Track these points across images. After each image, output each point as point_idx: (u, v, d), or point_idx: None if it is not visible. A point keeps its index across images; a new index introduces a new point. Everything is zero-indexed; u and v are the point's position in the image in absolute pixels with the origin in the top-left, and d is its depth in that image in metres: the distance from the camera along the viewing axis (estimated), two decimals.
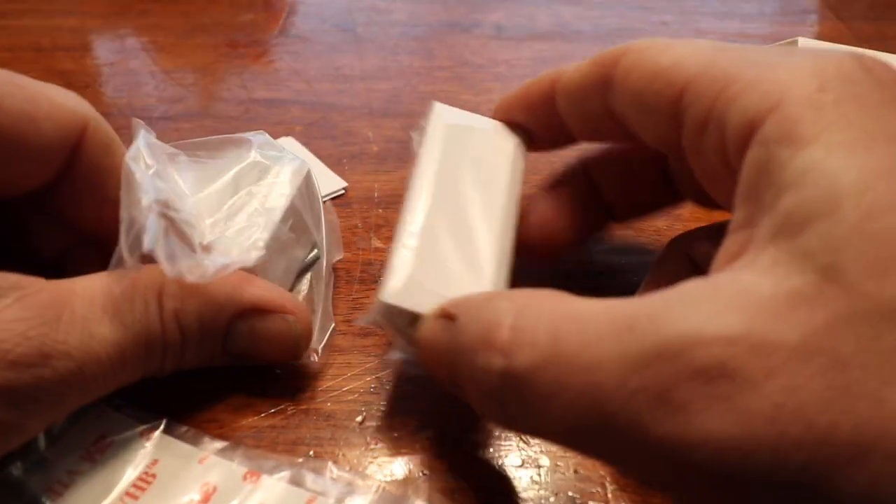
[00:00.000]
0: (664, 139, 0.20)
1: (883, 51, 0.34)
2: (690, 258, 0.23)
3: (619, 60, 0.20)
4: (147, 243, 0.19)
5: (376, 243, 0.30)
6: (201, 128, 0.38)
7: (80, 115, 0.21)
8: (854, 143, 0.14)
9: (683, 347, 0.13)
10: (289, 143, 0.36)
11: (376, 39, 0.46)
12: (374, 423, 0.23)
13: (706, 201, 0.24)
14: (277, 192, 0.25)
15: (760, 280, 0.14)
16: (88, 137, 0.21)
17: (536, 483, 0.21)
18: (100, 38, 0.47)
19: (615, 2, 0.51)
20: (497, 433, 0.23)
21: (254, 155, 0.26)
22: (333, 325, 0.26)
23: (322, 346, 0.25)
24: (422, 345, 0.20)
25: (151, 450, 0.21)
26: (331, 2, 0.51)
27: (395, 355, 0.23)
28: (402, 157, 0.35)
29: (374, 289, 0.28)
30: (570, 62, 0.23)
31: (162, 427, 0.22)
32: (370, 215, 0.32)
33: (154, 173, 0.21)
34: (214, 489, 0.20)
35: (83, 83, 0.42)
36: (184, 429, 0.22)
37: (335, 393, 0.24)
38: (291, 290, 0.27)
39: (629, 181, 0.26)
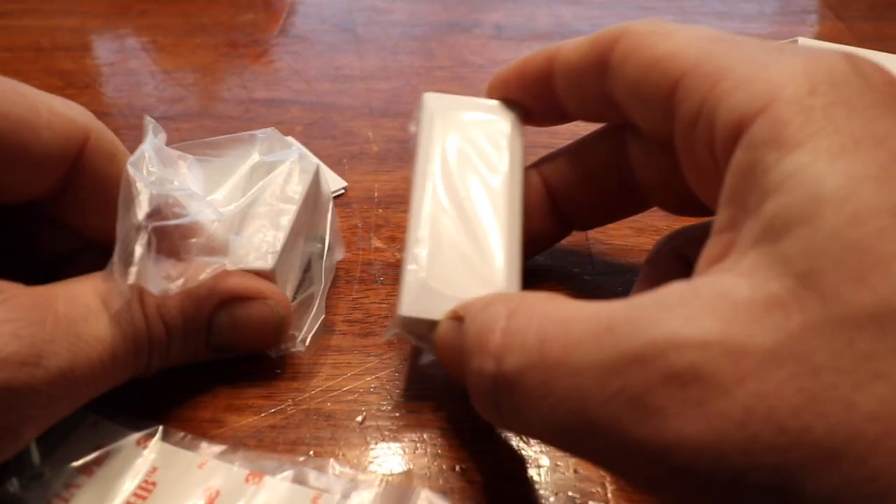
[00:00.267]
0: (660, 130, 0.20)
1: (883, 51, 0.34)
2: (683, 256, 0.23)
3: (617, 43, 0.20)
4: (132, 276, 0.20)
5: (376, 243, 0.30)
6: (201, 128, 0.38)
7: (82, 125, 0.21)
8: (840, 149, 0.14)
9: (658, 352, 0.14)
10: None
11: (376, 39, 0.46)
12: (374, 423, 0.23)
13: (673, 206, 0.24)
14: (289, 191, 0.25)
15: (739, 284, 0.14)
16: (91, 147, 0.21)
17: (536, 483, 0.21)
18: (100, 38, 0.47)
19: (615, 2, 0.51)
20: (497, 433, 0.23)
21: (263, 152, 0.26)
22: (324, 317, 0.26)
23: (311, 335, 0.25)
24: (437, 347, 0.21)
25: (149, 458, 0.21)
26: (331, 2, 0.51)
27: (426, 359, 0.23)
28: (402, 156, 0.35)
29: (373, 289, 0.28)
30: None
31: (158, 434, 0.22)
32: (370, 215, 0.32)
33: (155, 180, 0.21)
34: (217, 493, 0.20)
35: (83, 83, 0.42)
36: (181, 435, 0.22)
37: (335, 393, 0.24)
38: (299, 284, 0.27)
39: (585, 190, 0.26)
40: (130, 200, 0.20)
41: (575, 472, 0.22)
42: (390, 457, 0.22)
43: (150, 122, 0.23)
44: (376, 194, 0.33)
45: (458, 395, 0.23)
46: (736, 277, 0.14)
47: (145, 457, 0.21)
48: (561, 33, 0.47)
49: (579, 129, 0.26)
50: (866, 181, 0.13)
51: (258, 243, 0.24)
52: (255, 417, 0.23)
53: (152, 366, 0.22)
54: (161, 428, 0.22)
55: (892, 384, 0.12)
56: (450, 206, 0.23)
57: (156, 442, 0.21)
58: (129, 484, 0.20)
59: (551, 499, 0.21)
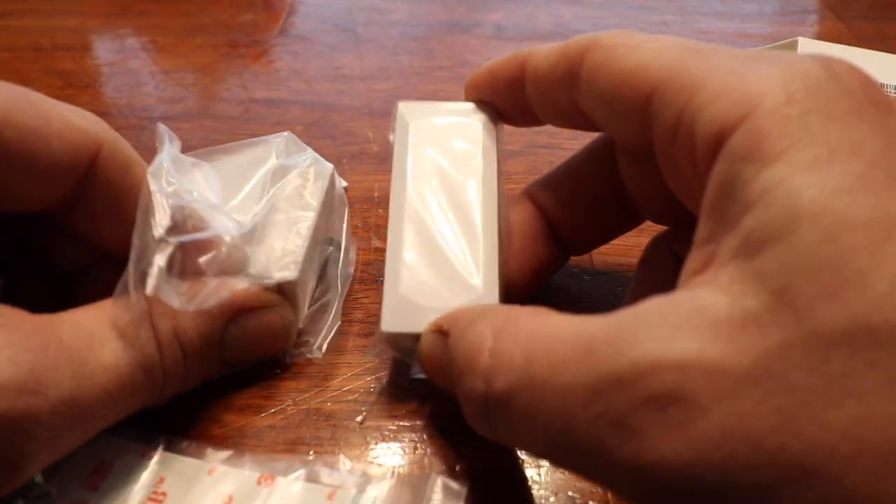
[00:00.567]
0: (636, 142, 0.20)
1: (883, 51, 0.34)
2: (678, 257, 0.23)
3: (585, 56, 0.20)
4: (150, 288, 0.19)
5: (376, 243, 0.30)
6: (201, 128, 0.38)
7: (94, 136, 0.20)
8: (816, 161, 0.14)
9: (638, 374, 0.14)
10: None
11: (376, 39, 0.46)
12: (374, 423, 0.23)
13: (665, 218, 0.24)
14: (307, 198, 0.25)
15: (717, 299, 0.14)
16: (104, 157, 0.21)
17: (536, 483, 0.21)
18: (100, 38, 0.47)
19: (615, 2, 0.51)
20: None
21: (278, 158, 0.26)
22: (339, 323, 0.26)
23: (326, 342, 0.25)
24: (422, 360, 0.21)
25: (156, 469, 0.21)
26: (331, 2, 0.51)
27: (415, 372, 0.24)
28: None
29: (374, 289, 0.28)
30: None
31: (162, 444, 0.21)
32: (370, 215, 0.32)
33: (174, 191, 0.21)
34: (230, 498, 0.20)
35: (83, 83, 0.42)
36: (185, 443, 0.22)
37: (335, 393, 0.24)
38: (316, 288, 0.27)
39: (580, 211, 0.25)
40: (149, 212, 0.20)
41: None
42: (390, 456, 0.22)
43: (164, 130, 0.23)
44: (376, 194, 0.33)
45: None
46: (713, 292, 0.14)
47: (151, 468, 0.21)
48: (561, 33, 0.47)
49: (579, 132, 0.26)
50: (841, 194, 0.13)
51: (279, 253, 0.23)
52: (255, 417, 0.23)
53: (165, 392, 0.21)
54: (164, 437, 0.22)
55: (864, 403, 0.12)
56: (426, 217, 0.23)
57: (160, 452, 0.21)
58: (138, 497, 0.20)
59: (551, 499, 0.21)
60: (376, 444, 0.23)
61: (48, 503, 0.20)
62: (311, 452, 0.22)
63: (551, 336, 0.16)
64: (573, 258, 0.28)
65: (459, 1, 0.51)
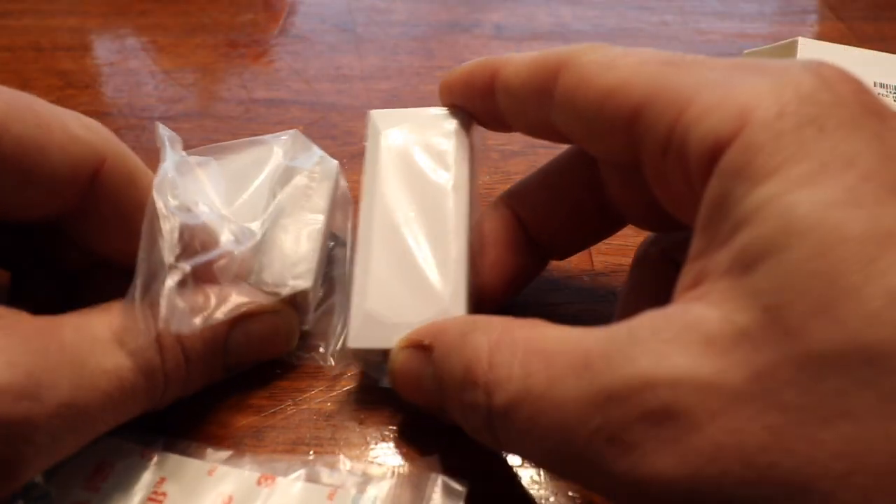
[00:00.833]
0: (618, 159, 0.19)
1: (883, 51, 0.34)
2: (672, 259, 0.23)
3: (559, 75, 0.19)
4: (162, 321, 0.19)
5: None
6: (201, 128, 0.38)
7: (97, 149, 0.20)
8: (809, 176, 0.14)
9: (632, 390, 0.14)
10: None
11: (376, 39, 0.46)
12: (374, 423, 0.23)
13: (650, 224, 0.23)
14: (315, 200, 0.25)
15: (709, 315, 0.14)
16: (107, 171, 0.20)
17: (536, 483, 0.21)
18: (100, 38, 0.47)
19: (615, 2, 0.51)
20: None
21: (285, 156, 0.25)
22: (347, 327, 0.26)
23: (338, 349, 0.25)
24: (397, 376, 0.20)
25: (156, 469, 0.21)
26: (331, 2, 0.51)
27: (384, 384, 0.23)
28: None
29: None
30: None
31: (162, 445, 0.21)
32: None
33: (180, 204, 0.20)
34: (231, 499, 0.20)
35: (83, 83, 0.42)
36: (185, 443, 0.22)
37: (335, 393, 0.24)
38: (322, 285, 0.26)
39: (559, 218, 0.24)
40: (156, 231, 0.20)
41: None
42: (391, 456, 0.22)
43: (164, 133, 0.22)
44: None
45: (440, 419, 0.22)
46: (706, 307, 0.14)
47: (152, 468, 0.21)
48: (561, 33, 0.47)
49: None
50: (834, 208, 0.13)
51: (292, 260, 0.23)
52: (256, 417, 0.23)
53: (167, 396, 0.21)
54: (164, 438, 0.22)
55: (857, 422, 0.12)
56: (395, 228, 0.23)
57: (160, 452, 0.21)
58: (138, 497, 0.20)
59: (551, 499, 0.21)
60: (376, 444, 0.23)
61: (49, 503, 0.20)
62: (312, 452, 0.22)
63: (547, 349, 0.16)
64: (573, 258, 0.28)
65: (459, 1, 0.51)
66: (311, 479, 0.21)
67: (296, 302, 0.24)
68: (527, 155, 0.35)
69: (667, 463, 0.13)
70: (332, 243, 0.27)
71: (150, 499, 0.20)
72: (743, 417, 0.13)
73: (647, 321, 0.15)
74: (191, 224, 0.20)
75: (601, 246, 0.30)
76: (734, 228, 0.14)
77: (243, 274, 0.22)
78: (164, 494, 0.20)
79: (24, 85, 0.41)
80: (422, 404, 0.20)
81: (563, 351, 0.16)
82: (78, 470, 0.20)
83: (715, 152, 0.15)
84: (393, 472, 0.21)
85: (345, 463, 0.22)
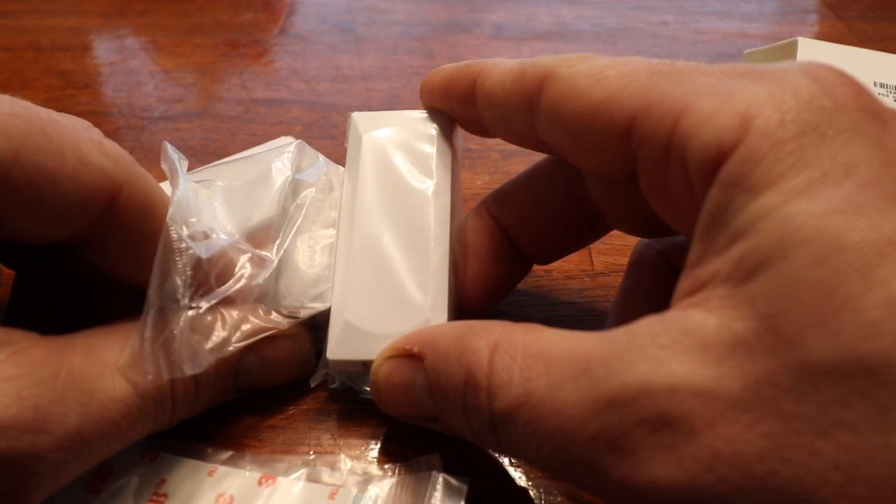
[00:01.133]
0: (608, 173, 0.19)
1: (883, 51, 0.34)
2: (668, 260, 0.22)
3: (544, 88, 0.19)
4: (177, 371, 0.19)
5: None
6: (201, 128, 0.38)
7: (113, 178, 0.19)
8: (809, 185, 0.14)
9: (630, 397, 0.14)
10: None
11: (376, 39, 0.46)
12: (374, 423, 0.23)
13: (638, 230, 0.23)
14: (326, 213, 0.24)
15: (706, 322, 0.14)
16: (123, 201, 0.19)
17: (537, 483, 0.21)
18: (99, 37, 0.47)
19: (615, 2, 0.51)
20: None
21: (292, 169, 0.25)
22: None
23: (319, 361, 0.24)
24: (381, 387, 0.20)
25: (156, 470, 0.21)
26: (331, 2, 0.51)
27: (365, 395, 0.23)
28: None
29: None
30: None
31: (162, 445, 0.21)
32: None
33: (193, 234, 0.20)
34: (232, 499, 0.20)
35: (83, 83, 0.42)
36: (185, 444, 0.22)
37: (335, 393, 0.24)
38: None
39: (543, 225, 0.24)
40: (169, 264, 0.19)
41: None
42: (391, 456, 0.22)
43: (174, 155, 0.22)
44: None
45: (428, 428, 0.22)
46: (705, 314, 0.14)
47: (152, 469, 0.21)
48: (561, 33, 0.47)
49: None
50: (832, 216, 0.13)
51: (309, 281, 0.23)
52: (256, 417, 0.23)
53: (175, 419, 0.21)
54: (165, 439, 0.21)
55: (855, 433, 0.12)
56: (375, 235, 0.22)
57: (161, 453, 0.21)
58: (139, 498, 0.20)
59: (551, 497, 0.21)
60: (377, 443, 0.23)
61: None
62: (312, 453, 0.22)
63: (547, 353, 0.16)
64: (573, 258, 0.28)
65: (459, 1, 0.51)
66: (313, 478, 0.21)
67: (314, 323, 0.23)
68: (527, 155, 0.35)
69: (664, 469, 0.13)
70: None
71: (150, 500, 0.20)
72: (740, 425, 0.13)
73: (646, 327, 0.15)
74: (206, 256, 0.20)
75: (601, 246, 0.30)
76: (734, 237, 0.14)
77: (261, 297, 0.22)
78: (164, 495, 0.20)
79: (23, 85, 0.41)
80: (410, 414, 0.20)
81: (562, 356, 0.16)
82: None
83: (716, 161, 0.15)
84: (394, 471, 0.21)
85: (346, 462, 0.22)
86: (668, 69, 0.17)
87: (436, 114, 0.24)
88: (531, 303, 0.27)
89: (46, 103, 0.20)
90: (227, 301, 0.21)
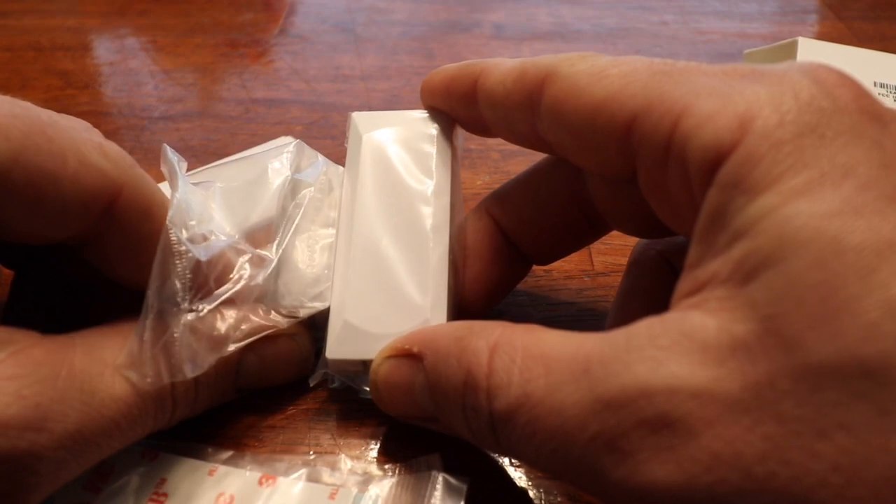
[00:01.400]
0: (609, 172, 0.19)
1: (883, 51, 0.34)
2: (668, 261, 0.22)
3: (545, 87, 0.19)
4: (178, 374, 0.19)
5: None
6: (201, 128, 0.38)
7: (113, 180, 0.19)
8: (807, 187, 0.14)
9: (629, 398, 0.14)
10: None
11: (376, 39, 0.46)
12: (374, 423, 0.23)
13: (639, 231, 0.23)
14: (325, 213, 0.24)
15: (706, 323, 0.14)
16: (122, 203, 0.19)
17: (537, 483, 0.21)
18: (99, 37, 0.47)
19: (615, 2, 0.51)
20: None
21: (291, 169, 0.25)
22: None
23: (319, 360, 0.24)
24: (381, 386, 0.20)
25: (157, 470, 0.21)
26: (331, 2, 0.51)
27: (365, 395, 0.23)
28: None
29: None
30: None
31: (162, 445, 0.21)
32: None
33: (192, 236, 0.20)
34: (232, 498, 0.20)
35: (83, 83, 0.42)
36: (185, 444, 0.22)
37: (335, 393, 0.24)
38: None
39: (542, 225, 0.24)
40: (169, 267, 0.19)
41: None
42: (391, 456, 0.22)
43: (174, 157, 0.22)
44: None
45: (427, 428, 0.22)
46: (704, 315, 0.14)
47: (152, 469, 0.21)
48: (561, 33, 0.47)
49: None
50: (831, 218, 0.13)
51: (308, 280, 0.23)
52: (256, 417, 0.23)
53: (175, 418, 0.21)
54: (165, 438, 0.21)
55: (854, 435, 0.12)
56: (374, 235, 0.22)
57: (161, 453, 0.21)
58: (139, 498, 0.20)
59: (551, 496, 0.21)
60: (377, 443, 0.23)
61: None
62: (312, 452, 0.22)
63: (546, 354, 0.16)
64: (573, 258, 0.28)
65: (459, 1, 0.51)
66: (313, 478, 0.21)
67: (313, 322, 0.23)
68: (527, 155, 0.35)
69: (663, 471, 0.13)
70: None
71: (150, 499, 0.20)
72: (740, 427, 0.13)
73: (645, 328, 0.15)
74: (205, 259, 0.20)
75: (601, 246, 0.30)
76: (733, 238, 0.14)
77: (260, 297, 0.22)
78: (164, 495, 0.20)
79: (23, 85, 0.41)
80: (410, 414, 0.20)
81: (561, 357, 0.16)
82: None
83: (715, 162, 0.15)
84: (394, 471, 0.21)
85: (346, 462, 0.22)
86: (669, 69, 0.17)
87: (436, 114, 0.24)
88: (531, 303, 0.27)
89: (46, 103, 0.20)
90: (227, 301, 0.21)
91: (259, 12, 0.50)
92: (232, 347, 0.20)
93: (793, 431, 0.13)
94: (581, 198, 0.23)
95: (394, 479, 0.21)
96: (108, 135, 0.21)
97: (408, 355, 0.19)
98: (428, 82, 0.24)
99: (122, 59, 0.44)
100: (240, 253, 0.22)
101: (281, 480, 0.21)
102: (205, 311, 0.20)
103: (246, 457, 0.21)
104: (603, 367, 0.15)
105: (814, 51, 0.32)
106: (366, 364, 0.21)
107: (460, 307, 0.24)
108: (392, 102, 0.40)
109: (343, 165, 0.25)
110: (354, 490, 0.20)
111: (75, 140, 0.18)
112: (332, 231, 0.24)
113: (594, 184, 0.22)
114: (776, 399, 0.13)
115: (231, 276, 0.22)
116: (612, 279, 0.29)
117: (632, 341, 0.15)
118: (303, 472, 0.21)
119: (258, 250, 0.23)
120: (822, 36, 0.48)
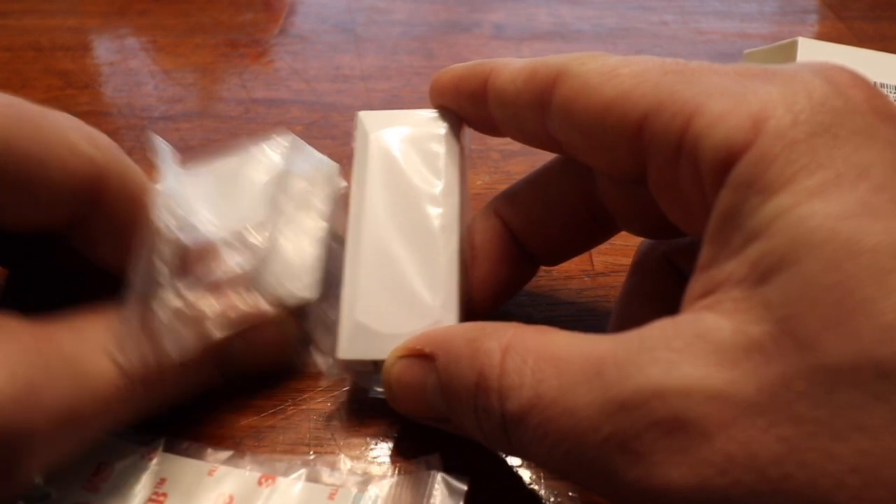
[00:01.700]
0: (619, 172, 0.19)
1: (883, 51, 0.34)
2: (672, 263, 0.22)
3: (556, 86, 0.19)
4: (163, 356, 0.19)
5: None
6: (201, 128, 0.38)
7: (101, 166, 0.19)
8: (822, 188, 0.14)
9: (643, 400, 0.14)
10: None
11: (376, 39, 0.46)
12: (374, 422, 0.23)
13: (647, 232, 0.23)
14: (316, 205, 0.25)
15: (720, 325, 0.14)
16: (110, 189, 0.20)
17: (536, 483, 0.21)
18: (99, 37, 0.47)
19: (615, 2, 0.51)
20: None
21: (284, 161, 0.25)
22: None
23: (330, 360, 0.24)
24: (394, 386, 0.20)
25: (156, 470, 0.21)
26: (331, 2, 0.51)
27: (375, 394, 0.23)
28: None
29: None
30: None
31: (162, 445, 0.21)
32: None
33: (181, 224, 0.20)
34: (231, 498, 0.20)
35: (83, 83, 0.42)
36: (185, 444, 0.22)
37: (335, 393, 0.24)
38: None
39: (551, 226, 0.24)
40: (155, 251, 0.19)
41: None
42: (391, 456, 0.22)
43: (162, 146, 0.22)
44: None
45: (439, 428, 0.22)
46: (718, 317, 0.14)
47: (152, 469, 0.21)
48: (561, 33, 0.47)
49: None
50: (847, 220, 0.13)
51: (296, 270, 0.23)
52: (256, 417, 0.23)
53: (165, 400, 0.21)
54: (164, 438, 0.22)
55: (872, 436, 0.12)
56: (384, 234, 0.22)
57: (161, 453, 0.21)
58: (138, 498, 0.20)
59: (552, 497, 0.21)
60: (377, 443, 0.23)
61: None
62: (312, 452, 0.22)
63: (559, 356, 0.16)
64: (574, 259, 0.28)
65: (459, 1, 0.51)
66: (312, 478, 0.21)
67: (300, 311, 0.24)
68: (527, 155, 0.35)
69: (677, 473, 0.13)
70: (335, 245, 0.27)
71: (150, 499, 0.20)
72: (755, 429, 0.13)
73: (658, 330, 0.15)
74: (192, 244, 0.20)
75: (601, 246, 0.30)
76: (747, 239, 0.14)
77: (247, 285, 0.22)
78: (164, 495, 0.20)
79: (23, 85, 0.41)
80: (422, 414, 0.20)
81: (574, 358, 0.16)
82: (78, 470, 0.20)
83: (727, 162, 0.15)
84: (394, 471, 0.21)
85: (345, 462, 0.22)
86: (681, 69, 0.17)
87: (443, 112, 0.24)
88: (531, 303, 0.27)
89: (46, 103, 0.20)
90: (214, 287, 0.21)
91: (259, 12, 0.50)
92: (218, 334, 0.21)
93: (809, 433, 0.12)
94: (590, 198, 0.23)
95: (393, 479, 0.21)
96: (109, 135, 0.21)
97: (420, 356, 0.19)
98: (437, 81, 0.24)
99: (122, 59, 0.44)
100: (227, 241, 0.22)
101: (280, 480, 0.21)
102: (190, 296, 0.20)
103: (245, 457, 0.21)
104: (616, 368, 0.15)
105: (814, 51, 0.32)
106: (376, 364, 0.21)
107: (469, 308, 0.24)
108: (392, 102, 0.40)
109: (341, 165, 0.25)
110: (354, 490, 0.20)
111: (63, 128, 0.19)
112: (322, 223, 0.24)
113: (604, 184, 0.22)
114: (792, 401, 0.13)
115: (218, 262, 0.22)
116: (612, 279, 0.29)
117: (645, 343, 0.15)
118: (302, 472, 0.21)
119: (247, 238, 0.23)
120: (822, 36, 0.48)
